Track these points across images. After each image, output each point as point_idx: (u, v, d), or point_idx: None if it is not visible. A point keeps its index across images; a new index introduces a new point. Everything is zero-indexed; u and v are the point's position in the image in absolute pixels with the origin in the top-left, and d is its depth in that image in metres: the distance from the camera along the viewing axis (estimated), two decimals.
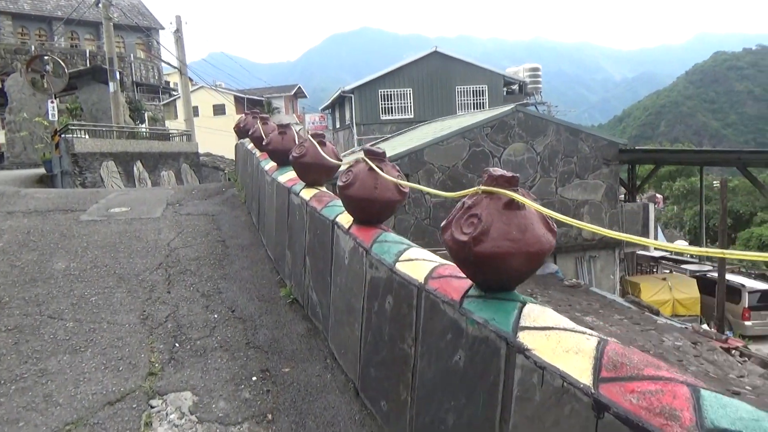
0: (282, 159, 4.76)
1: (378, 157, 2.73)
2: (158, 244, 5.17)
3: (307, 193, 3.63)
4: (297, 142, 4.67)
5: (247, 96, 52.62)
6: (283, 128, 4.69)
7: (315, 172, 3.67)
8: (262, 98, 54.84)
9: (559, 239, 17.34)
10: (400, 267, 2.15)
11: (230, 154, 46.45)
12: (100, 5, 16.02)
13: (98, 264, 4.63)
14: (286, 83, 61.99)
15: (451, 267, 1.97)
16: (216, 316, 3.76)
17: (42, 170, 15.78)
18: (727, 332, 15.31)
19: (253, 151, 6.11)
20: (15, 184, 14.04)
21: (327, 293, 3.06)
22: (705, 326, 15.86)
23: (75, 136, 14.43)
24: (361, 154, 2.79)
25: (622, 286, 18.55)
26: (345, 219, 2.87)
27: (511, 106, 16.77)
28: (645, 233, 18.28)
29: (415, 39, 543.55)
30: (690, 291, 17.77)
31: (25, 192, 7.47)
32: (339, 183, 2.69)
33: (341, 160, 3.68)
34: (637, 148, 20.11)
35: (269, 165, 5.04)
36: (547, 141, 16.48)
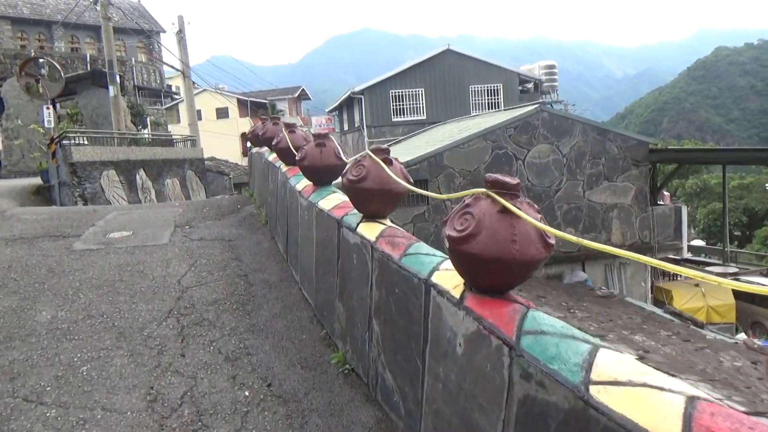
0: (321, 178, 3.81)
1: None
2: (167, 282, 4.21)
3: (369, 230, 2.68)
4: (340, 156, 3.72)
5: (251, 99, 51.72)
6: (321, 139, 3.73)
7: (379, 201, 2.72)
8: (266, 101, 53.93)
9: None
10: (603, 399, 1.21)
11: (234, 158, 45.56)
12: (98, 5, 15.11)
13: (92, 313, 3.68)
14: (288, 85, 61.08)
15: None
16: (247, 393, 2.79)
17: (39, 180, 14.88)
18: (764, 341, 14.37)
19: (277, 164, 5.16)
20: (9, 196, 13.11)
21: (416, 383, 2.10)
22: (743, 335, 14.90)
23: (73, 143, 13.51)
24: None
25: (654, 293, 17.56)
26: (448, 280, 1.92)
27: (534, 105, 15.82)
28: (677, 237, 17.30)
29: (416, 39, 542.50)
30: (725, 297, 16.77)
31: (11, 212, 6.54)
32: (450, 233, 1.73)
33: (411, 182, 2.72)
34: (669, 147, 19.14)
35: (302, 184, 4.08)
36: (573, 142, 15.55)
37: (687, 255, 18.42)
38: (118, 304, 3.82)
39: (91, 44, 43.33)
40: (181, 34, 19.89)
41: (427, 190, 15.47)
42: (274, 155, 5.50)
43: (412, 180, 2.79)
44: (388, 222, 2.80)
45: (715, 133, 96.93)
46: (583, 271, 16.18)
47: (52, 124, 12.70)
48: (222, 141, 47.25)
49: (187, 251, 4.94)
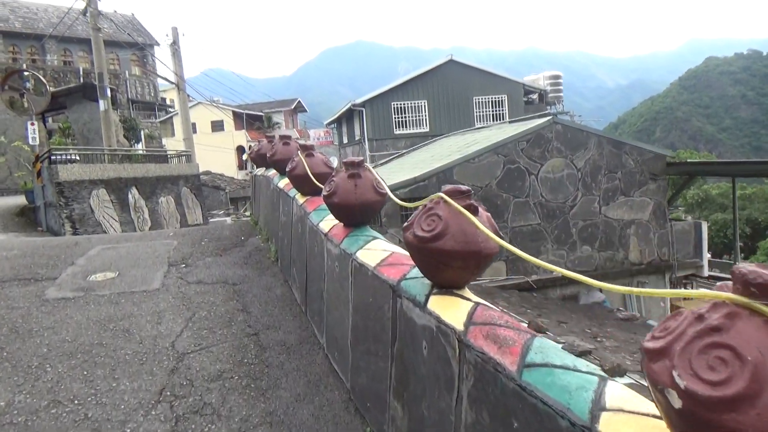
0: (356, 218, 2.98)
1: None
2: (158, 346, 3.35)
3: (447, 309, 1.85)
4: (380, 189, 2.89)
5: (247, 111, 50.98)
6: (356, 168, 2.91)
7: (461, 266, 1.89)
8: (262, 113, 53.19)
9: (603, 264, 15.48)
10: None
11: (230, 172, 44.73)
12: (87, 15, 14.32)
13: (60, 396, 2.81)
14: (282, 98, 60.49)
15: None
16: None
17: (25, 200, 13.99)
18: None
19: (290, 193, 4.32)
20: None
21: None
22: None
23: (60, 157, 12.64)
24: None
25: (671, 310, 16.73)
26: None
27: (547, 116, 15.12)
28: (697, 255, 16.55)
29: (409, 51, 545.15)
30: None
31: None
32: None
33: (501, 236, 1.90)
34: (687, 161, 18.42)
35: (328, 224, 3.25)
36: (588, 155, 14.83)
37: (709, 272, 17.65)
38: (95, 382, 2.96)
39: (84, 58, 42.64)
40: (175, 45, 19.12)
41: None
42: (285, 181, 4.67)
43: (497, 229, 1.98)
44: (470, 295, 1.97)
45: (707, 142, 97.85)
46: (600, 291, 15.42)
47: (37, 141, 11.83)
48: (217, 154, 46.43)
49: (183, 299, 4.08)
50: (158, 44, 45.09)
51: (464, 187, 2.00)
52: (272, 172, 5.39)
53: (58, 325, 3.64)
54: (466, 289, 2.01)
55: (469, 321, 1.74)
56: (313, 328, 3.53)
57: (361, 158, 3.03)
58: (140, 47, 37.19)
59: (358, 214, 2.95)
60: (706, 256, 16.36)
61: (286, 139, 4.97)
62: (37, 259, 4.99)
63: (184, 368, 3.12)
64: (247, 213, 36.64)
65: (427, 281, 2.08)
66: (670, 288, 16.33)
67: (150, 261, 4.95)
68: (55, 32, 37.08)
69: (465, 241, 1.86)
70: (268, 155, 4.94)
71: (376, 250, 2.60)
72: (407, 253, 2.55)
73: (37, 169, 12.05)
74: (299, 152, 3.99)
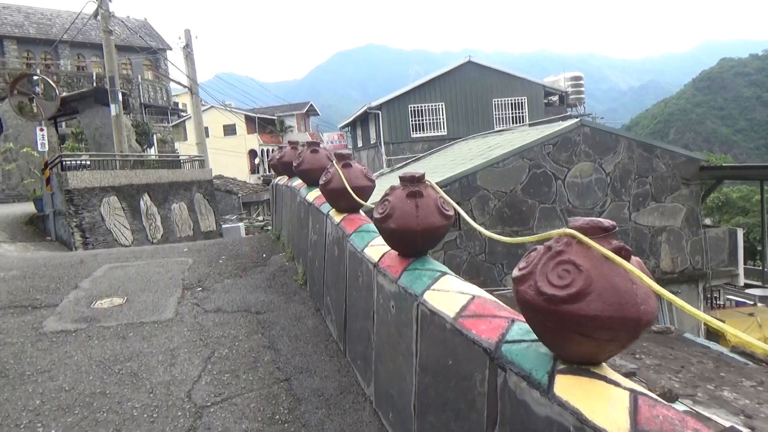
0: (417, 246, 2.39)
1: None
2: (171, 396, 2.79)
3: (598, 411, 1.25)
4: (445, 211, 2.31)
5: (259, 115, 50.67)
6: (416, 185, 2.33)
7: (613, 338, 1.30)
8: (274, 117, 52.87)
9: None
10: None
11: (242, 176, 44.34)
12: (98, 17, 13.92)
13: None
14: (294, 101, 60.14)
15: None
16: None
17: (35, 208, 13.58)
18: None
19: (322, 209, 3.74)
20: None
21: None
22: None
23: (69, 162, 12.18)
24: None
25: (705, 325, 16.01)
26: None
27: (570, 117, 14.47)
28: (732, 263, 15.78)
29: (420, 54, 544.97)
30: None
31: None
32: None
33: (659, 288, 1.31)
34: (723, 165, 17.68)
35: (377, 251, 2.66)
36: (617, 159, 14.20)
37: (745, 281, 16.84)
38: None
39: (97, 63, 42.65)
40: (188, 48, 18.70)
41: (458, 214, 14.12)
42: (315, 194, 4.09)
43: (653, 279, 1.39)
44: (614, 375, 1.37)
45: (722, 144, 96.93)
46: None
47: (46, 148, 11.39)
48: (230, 158, 46.14)
49: (199, 333, 3.52)
50: (171, 48, 44.98)
51: (607, 222, 1.41)
52: (297, 182, 4.82)
53: (55, 368, 3.08)
54: (605, 365, 1.42)
55: (635, 428, 1.15)
56: (356, 374, 2.95)
57: (422, 172, 2.44)
58: (153, 51, 37.01)
59: (420, 243, 2.36)
60: (742, 264, 15.58)
61: (314, 146, 4.40)
62: (38, 282, 4.46)
63: (203, 427, 2.55)
64: (260, 218, 36.25)
65: (544, 349, 1.50)
66: (703, 297, 15.59)
67: (162, 283, 4.41)
68: (68, 37, 37.04)
69: (618, 302, 1.28)
70: (294, 164, 4.38)
71: (451, 292, 2.01)
72: (494, 299, 1.97)
73: (46, 176, 11.61)
74: (335, 162, 3.42)
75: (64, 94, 24.34)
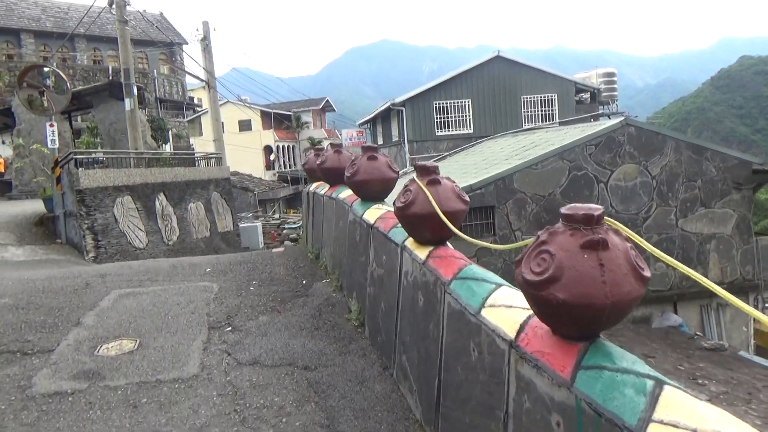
0: (601, 323, 1.50)
1: None
2: None
3: None
4: (641, 270, 1.40)
5: (275, 111, 49.94)
6: (591, 224, 1.43)
7: None
8: (290, 112, 52.12)
9: (679, 283, 13.74)
10: None
11: (258, 172, 43.61)
12: (113, 6, 13.16)
13: None
14: (308, 97, 59.28)
15: None
16: None
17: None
18: None
19: (393, 237, 2.87)
20: (6, 229, 11.09)
21: None
22: None
23: (83, 158, 11.43)
24: None
25: (755, 339, 15.01)
26: None
27: (621, 118, 13.49)
28: None
29: (434, 50, 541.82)
30: None
31: None
32: None
33: None
34: None
35: (513, 320, 1.78)
36: (664, 161, 13.22)
37: None
38: None
39: (113, 57, 42.23)
40: (206, 41, 17.92)
41: (493, 219, 13.17)
42: (376, 213, 3.22)
43: None
44: None
45: (741, 143, 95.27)
46: (675, 312, 13.73)
47: (57, 144, 10.64)
48: (245, 154, 45.46)
49: (233, 400, 2.66)
50: (187, 43, 44.35)
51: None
52: (345, 193, 3.95)
53: None
54: None
55: None
56: None
57: (600, 208, 1.55)
58: (169, 45, 36.37)
59: (610, 315, 1.47)
60: None
61: (371, 152, 3.52)
62: (32, 315, 3.64)
63: None
64: (276, 216, 35.46)
65: None
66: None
67: (183, 319, 3.56)
68: (84, 30, 36.54)
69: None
70: (347, 174, 3.49)
71: (683, 410, 1.13)
72: None
73: (57, 174, 10.88)
74: (417, 177, 2.53)
75: (79, 87, 23.72)
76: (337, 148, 4.62)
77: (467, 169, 15.95)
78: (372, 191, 3.37)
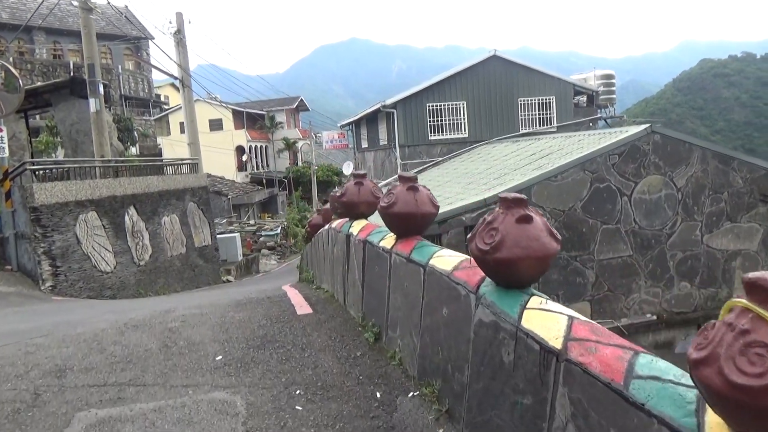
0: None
1: None
2: None
3: None
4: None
5: (247, 110, 47.84)
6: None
7: None
8: (263, 112, 50.08)
9: (704, 303, 12.68)
10: None
11: (230, 174, 41.38)
12: None
13: None
14: (276, 96, 57.17)
15: None
16: None
17: None
18: None
19: (508, 314, 1.49)
20: None
21: None
22: None
23: (35, 170, 9.63)
24: None
25: None
26: None
27: (645, 125, 12.41)
28: None
29: (403, 50, 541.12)
30: None
31: None
32: None
33: None
34: None
35: None
36: (690, 172, 12.22)
37: None
38: None
39: (75, 51, 39.53)
40: (179, 35, 16.15)
41: None
42: (459, 266, 1.82)
43: None
44: None
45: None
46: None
47: (5, 154, 8.85)
48: (216, 155, 43.22)
49: None
50: (153, 38, 41.87)
51: None
52: (385, 240, 2.50)
53: None
54: None
55: None
56: None
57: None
58: (135, 39, 34.02)
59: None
60: None
61: (410, 182, 2.15)
62: None
63: None
64: (251, 222, 33.43)
65: None
66: None
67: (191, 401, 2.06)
68: (45, 24, 33.89)
69: None
70: (383, 203, 2.06)
71: None
72: None
73: (6, 188, 9.09)
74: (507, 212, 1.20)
75: (38, 83, 21.45)
76: (359, 179, 3.17)
77: (472, 178, 14.67)
78: (410, 225, 1.99)
